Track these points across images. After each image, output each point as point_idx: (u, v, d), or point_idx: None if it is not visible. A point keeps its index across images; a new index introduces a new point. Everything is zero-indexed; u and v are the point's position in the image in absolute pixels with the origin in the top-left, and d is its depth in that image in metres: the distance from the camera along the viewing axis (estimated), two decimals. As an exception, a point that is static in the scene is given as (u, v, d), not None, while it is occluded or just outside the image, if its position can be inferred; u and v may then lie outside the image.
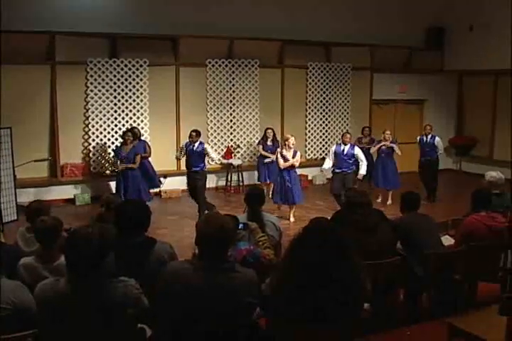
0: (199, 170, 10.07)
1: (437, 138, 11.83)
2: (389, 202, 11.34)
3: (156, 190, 11.60)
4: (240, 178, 12.68)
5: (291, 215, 10.19)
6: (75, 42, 10.91)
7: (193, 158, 10.05)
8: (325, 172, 11.76)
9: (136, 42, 11.54)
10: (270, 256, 4.50)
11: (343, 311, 3.25)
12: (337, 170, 10.60)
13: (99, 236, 3.15)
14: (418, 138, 12.09)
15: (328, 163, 10.73)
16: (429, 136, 11.83)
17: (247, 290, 3.34)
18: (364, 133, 12.57)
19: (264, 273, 3.81)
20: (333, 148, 10.80)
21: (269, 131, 12.02)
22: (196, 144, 10.01)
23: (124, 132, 10.68)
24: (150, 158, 11.00)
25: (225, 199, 12.02)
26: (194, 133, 10.04)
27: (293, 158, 10.02)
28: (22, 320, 3.44)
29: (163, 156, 11.66)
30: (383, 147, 11.58)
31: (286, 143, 10.17)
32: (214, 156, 10.40)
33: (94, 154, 11.48)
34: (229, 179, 12.70)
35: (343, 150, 10.55)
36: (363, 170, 10.53)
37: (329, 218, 5.14)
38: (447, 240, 6.08)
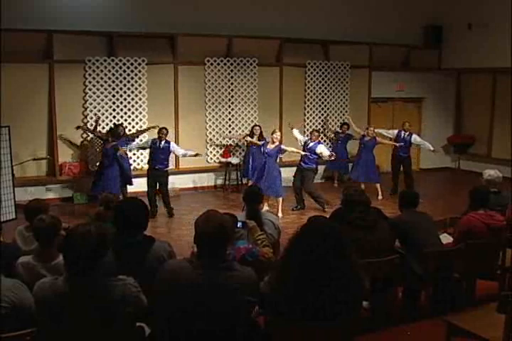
0: (163, 167, 10.08)
1: (414, 136, 12.02)
2: (380, 197, 11.59)
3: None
4: (239, 177, 12.68)
5: (279, 210, 10.36)
6: (72, 41, 10.89)
7: (157, 155, 10.05)
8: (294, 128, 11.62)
9: (134, 41, 11.53)
10: (269, 255, 4.50)
11: (342, 309, 3.25)
12: (299, 164, 10.76)
13: (97, 235, 3.15)
14: (395, 131, 12.21)
15: (299, 135, 11.18)
16: (407, 133, 11.98)
17: (245, 289, 3.34)
18: (343, 129, 13.21)
19: (263, 272, 3.82)
20: (305, 139, 10.96)
21: (257, 127, 12.06)
22: (163, 142, 10.03)
23: (107, 131, 10.80)
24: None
25: (223, 198, 12.02)
26: (165, 131, 10.11)
27: (273, 152, 10.29)
28: (21, 318, 3.44)
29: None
30: (366, 138, 11.98)
31: (271, 136, 10.42)
32: (182, 151, 10.32)
33: (92, 153, 11.46)
34: (227, 178, 12.70)
35: (308, 145, 10.64)
36: (326, 152, 10.59)
37: (328, 216, 5.14)
38: (446, 238, 6.08)
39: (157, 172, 10.06)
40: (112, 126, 11.20)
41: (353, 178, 12.13)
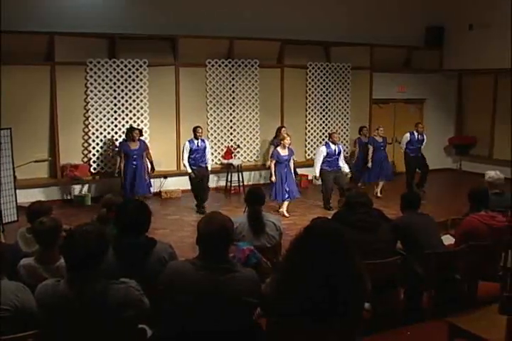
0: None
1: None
2: (379, 194, 11.90)
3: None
4: (240, 178, 12.66)
5: (285, 210, 10.44)
6: (74, 43, 10.91)
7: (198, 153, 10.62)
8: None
9: (135, 43, 11.54)
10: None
11: (344, 311, 3.25)
12: (330, 169, 10.68)
13: (96, 235, 3.16)
14: (408, 136, 12.24)
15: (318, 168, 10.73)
16: (419, 135, 12.22)
17: (247, 290, 3.35)
18: (363, 133, 12.73)
19: (265, 273, 3.82)
20: (323, 149, 10.72)
21: (283, 129, 12.12)
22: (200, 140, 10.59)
23: (130, 129, 10.78)
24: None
25: (225, 200, 12.02)
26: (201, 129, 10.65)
27: (289, 156, 10.32)
28: (23, 321, 3.44)
29: (163, 156, 11.65)
30: (376, 137, 12.08)
31: (282, 142, 10.40)
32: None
33: (94, 154, 11.46)
34: (229, 179, 12.69)
35: (335, 150, 10.70)
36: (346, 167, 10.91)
37: (330, 218, 5.14)
38: (448, 239, 6.07)
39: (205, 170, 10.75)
40: (117, 130, 11.38)
41: (366, 180, 12.32)
